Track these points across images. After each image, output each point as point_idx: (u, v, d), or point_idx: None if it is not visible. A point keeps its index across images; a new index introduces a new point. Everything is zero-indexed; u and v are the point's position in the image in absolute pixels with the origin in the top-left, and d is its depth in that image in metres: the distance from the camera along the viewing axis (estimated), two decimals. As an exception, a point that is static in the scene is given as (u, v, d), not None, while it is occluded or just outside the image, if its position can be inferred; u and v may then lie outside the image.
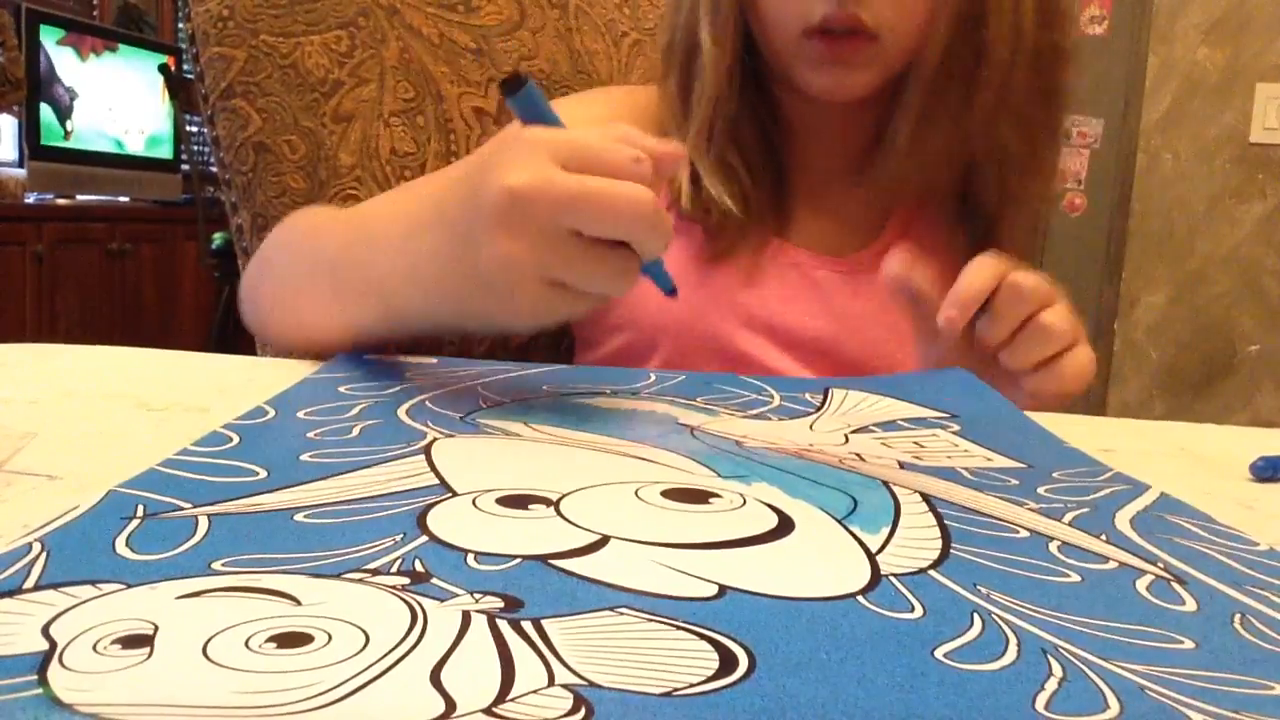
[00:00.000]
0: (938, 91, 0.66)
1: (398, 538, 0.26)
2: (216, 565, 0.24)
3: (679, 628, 0.22)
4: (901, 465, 0.38)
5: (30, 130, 3.19)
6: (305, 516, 0.28)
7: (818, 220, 0.74)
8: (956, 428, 0.47)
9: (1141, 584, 0.27)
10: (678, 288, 0.48)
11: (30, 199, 3.20)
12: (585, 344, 0.76)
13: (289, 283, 0.58)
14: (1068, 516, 0.33)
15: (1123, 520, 0.33)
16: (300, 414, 0.40)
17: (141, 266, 3.39)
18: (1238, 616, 0.25)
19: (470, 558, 0.25)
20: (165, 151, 3.78)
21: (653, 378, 0.53)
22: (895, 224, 0.74)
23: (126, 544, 0.25)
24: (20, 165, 3.24)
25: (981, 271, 0.56)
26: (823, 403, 0.50)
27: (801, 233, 0.73)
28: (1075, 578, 0.27)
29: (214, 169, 0.82)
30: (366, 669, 0.19)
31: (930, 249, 0.71)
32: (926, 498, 0.34)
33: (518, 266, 0.40)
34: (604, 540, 0.27)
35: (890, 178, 0.70)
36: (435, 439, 0.37)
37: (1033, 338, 0.56)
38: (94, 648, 0.19)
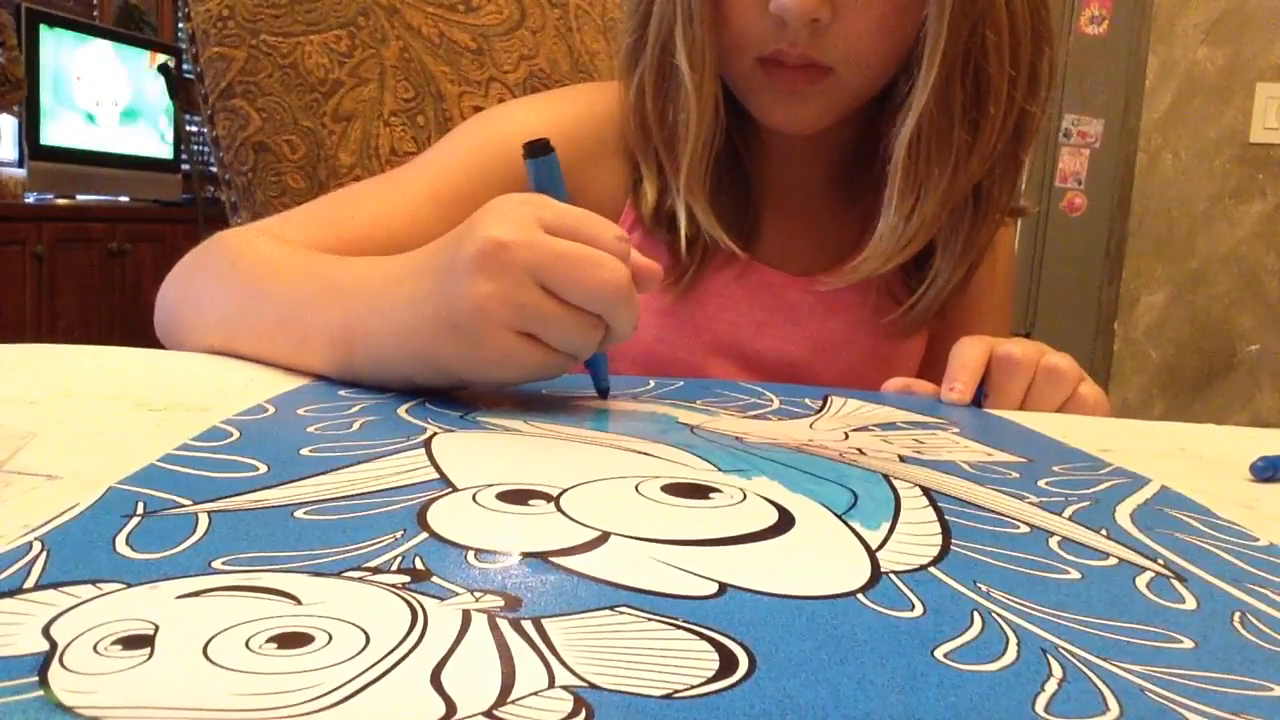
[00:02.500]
0: (935, 125, 0.60)
1: (398, 535, 0.26)
2: (217, 564, 0.24)
3: (679, 627, 0.22)
4: (902, 459, 0.38)
5: (30, 130, 3.19)
6: (305, 513, 0.28)
7: (790, 238, 0.71)
8: (956, 429, 0.47)
9: (1141, 581, 0.27)
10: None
11: (30, 199, 3.20)
12: None
13: (224, 317, 0.55)
14: (1068, 510, 0.33)
15: (1123, 515, 0.33)
16: (300, 410, 0.40)
17: (141, 266, 3.39)
18: (1237, 615, 0.25)
19: (470, 555, 0.25)
20: (165, 152, 3.78)
21: (651, 384, 0.53)
22: (868, 246, 0.69)
23: (127, 542, 0.25)
24: (20, 165, 3.24)
25: (973, 346, 0.56)
26: (822, 406, 0.50)
27: (773, 251, 0.70)
28: (1075, 574, 0.27)
29: (214, 169, 0.82)
30: (367, 670, 0.19)
31: (894, 271, 0.69)
32: (927, 492, 0.34)
33: (490, 311, 0.41)
34: (604, 537, 0.27)
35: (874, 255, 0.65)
36: (435, 433, 0.37)
37: (1048, 380, 0.56)
38: (94, 648, 0.19)
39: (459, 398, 0.45)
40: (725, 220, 0.66)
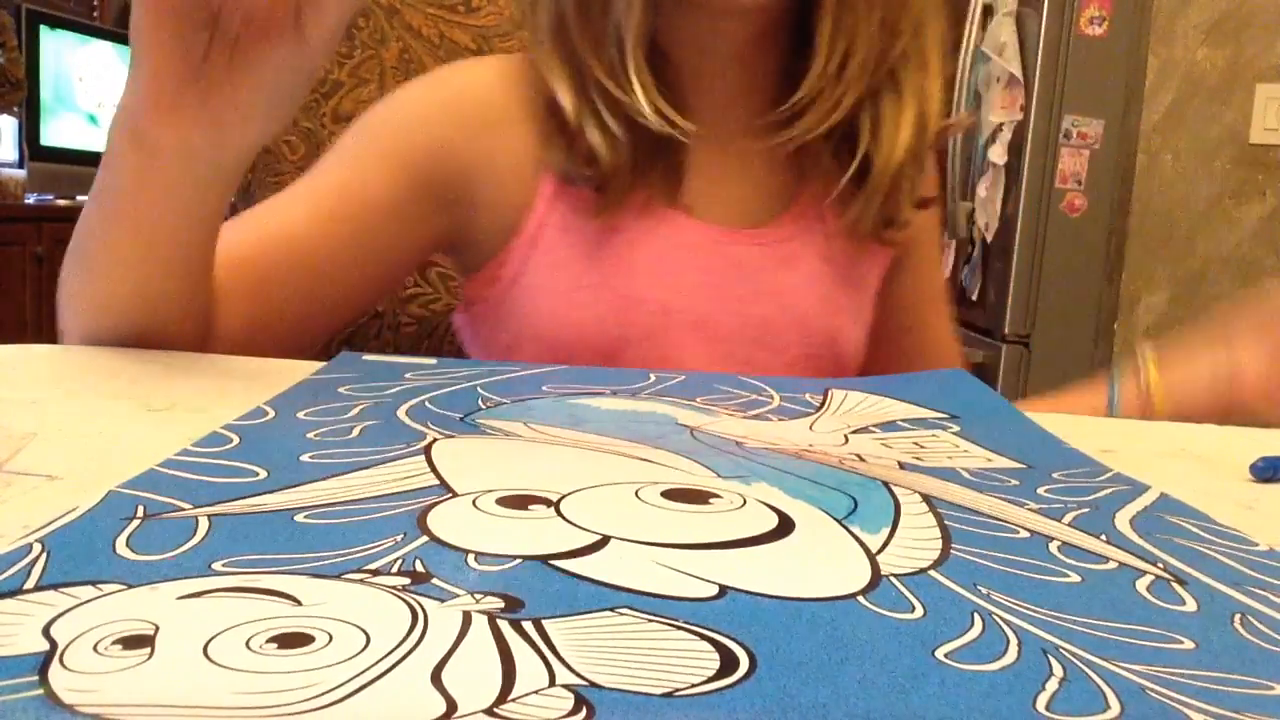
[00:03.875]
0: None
1: (398, 538, 0.26)
2: (217, 566, 0.24)
3: (680, 628, 0.22)
4: (901, 466, 0.38)
5: (30, 130, 3.19)
6: (305, 517, 0.28)
7: (723, 189, 0.67)
8: (956, 428, 0.47)
9: (1142, 584, 0.27)
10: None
11: (30, 199, 3.20)
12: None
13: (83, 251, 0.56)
14: (1068, 517, 0.33)
15: (1123, 520, 0.33)
16: (300, 414, 0.40)
17: (141, 267, 3.39)
18: (1238, 617, 0.25)
19: (471, 558, 0.25)
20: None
21: (652, 378, 0.53)
22: (807, 188, 0.68)
23: (127, 544, 0.25)
24: (20, 165, 3.24)
25: None
26: (822, 403, 0.50)
27: (706, 206, 0.66)
28: (1075, 578, 0.27)
29: (214, 169, 0.82)
30: (367, 669, 0.19)
31: (835, 214, 0.68)
32: (927, 498, 0.34)
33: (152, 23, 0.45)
34: (604, 540, 0.27)
35: (810, 109, 0.63)
36: (435, 439, 0.37)
37: None
38: (95, 648, 0.19)
39: (458, 397, 0.45)
40: (654, 165, 0.63)
